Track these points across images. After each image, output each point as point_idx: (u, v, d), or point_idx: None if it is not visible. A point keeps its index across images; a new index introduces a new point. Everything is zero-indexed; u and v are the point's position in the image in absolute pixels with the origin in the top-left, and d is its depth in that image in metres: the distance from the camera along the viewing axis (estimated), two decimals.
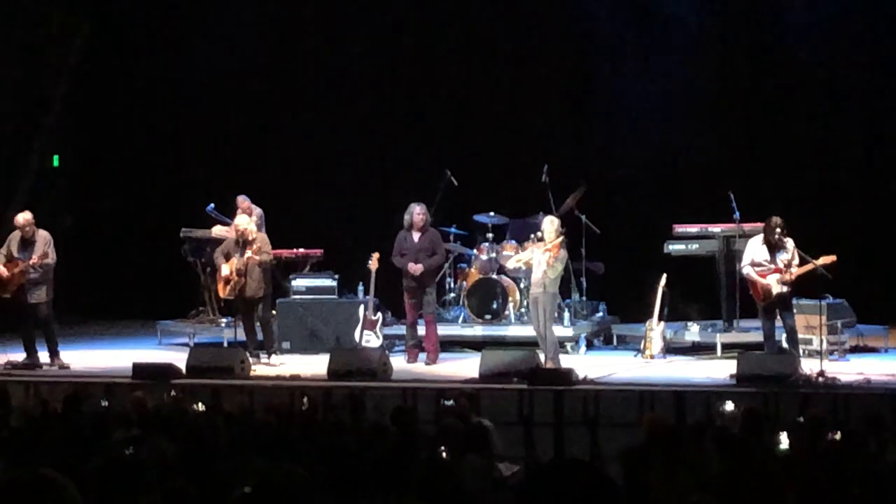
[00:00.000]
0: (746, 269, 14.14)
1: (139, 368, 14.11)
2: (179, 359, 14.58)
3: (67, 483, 3.90)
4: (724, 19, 19.14)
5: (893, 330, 16.21)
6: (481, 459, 8.17)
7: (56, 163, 20.70)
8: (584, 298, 17.14)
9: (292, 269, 17.51)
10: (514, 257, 15.83)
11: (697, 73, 18.96)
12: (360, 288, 16.66)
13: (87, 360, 15.78)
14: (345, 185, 19.48)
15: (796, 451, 8.35)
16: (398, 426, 9.12)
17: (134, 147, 20.53)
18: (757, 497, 6.07)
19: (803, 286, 14.29)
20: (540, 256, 14.46)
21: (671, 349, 15.85)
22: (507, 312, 16.57)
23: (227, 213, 16.98)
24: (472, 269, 16.99)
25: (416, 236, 15.51)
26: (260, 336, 15.65)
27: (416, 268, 15.32)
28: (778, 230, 13.86)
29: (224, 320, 17.19)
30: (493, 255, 16.85)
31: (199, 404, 10.67)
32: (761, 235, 14.11)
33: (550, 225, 14.62)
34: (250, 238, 15.30)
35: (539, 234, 15.03)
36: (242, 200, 16.89)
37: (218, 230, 17.15)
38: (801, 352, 14.14)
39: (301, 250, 17.72)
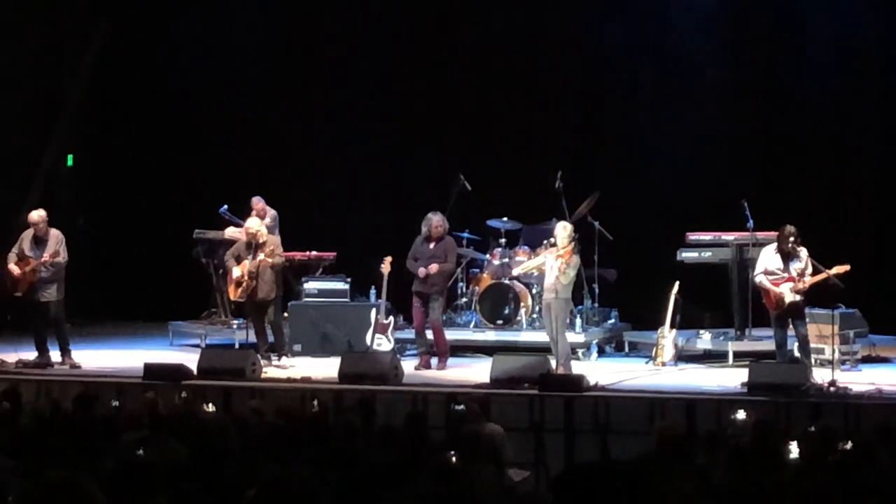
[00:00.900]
0: (759, 278, 14.12)
1: (150, 369, 14.11)
2: (191, 360, 14.58)
3: (94, 488, 3.92)
4: (740, 25, 19.10)
5: None
6: (492, 465, 8.17)
7: (70, 163, 20.74)
8: (596, 305, 17.12)
9: (305, 272, 17.51)
10: (520, 265, 15.82)
11: (712, 79, 18.92)
12: (373, 291, 16.67)
13: (98, 360, 15.79)
14: (358, 189, 19.48)
15: (807, 461, 8.34)
16: (410, 431, 9.12)
17: (148, 148, 20.54)
18: None
19: (816, 296, 14.27)
20: (552, 262, 14.46)
21: (683, 357, 15.82)
22: (519, 318, 16.56)
23: (241, 214, 16.99)
24: (485, 275, 16.99)
25: (431, 244, 15.53)
26: (271, 338, 15.66)
27: (423, 271, 15.34)
28: (791, 239, 13.84)
29: (236, 322, 17.20)
30: (506, 260, 16.85)
31: (210, 406, 10.68)
32: (775, 244, 14.10)
33: (563, 231, 14.62)
34: (261, 241, 15.30)
35: (552, 239, 15.04)
36: (257, 202, 16.91)
37: (231, 232, 17.16)
38: (812, 361, 14.12)
39: (314, 253, 17.73)
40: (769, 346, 14.58)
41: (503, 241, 17.04)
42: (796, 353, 14.22)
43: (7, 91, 19.36)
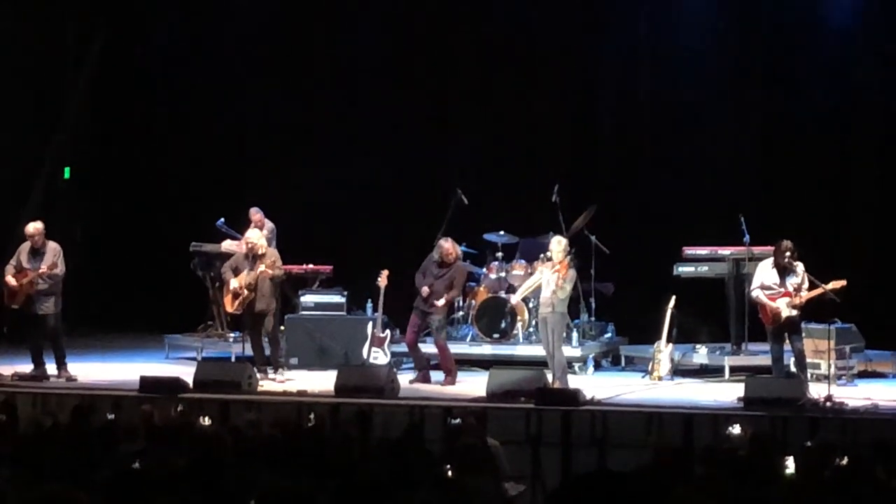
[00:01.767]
0: (756, 293, 14.12)
1: (147, 382, 14.11)
2: (187, 373, 14.58)
3: (88, 500, 3.93)
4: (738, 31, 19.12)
5: None
6: (488, 479, 8.16)
7: (67, 175, 20.72)
8: (592, 319, 17.13)
9: (301, 285, 17.51)
10: (520, 289, 15.81)
11: (710, 95, 18.93)
12: (369, 305, 16.68)
13: (94, 373, 15.77)
14: (355, 202, 19.48)
15: (803, 476, 8.34)
16: (408, 443, 9.11)
17: (145, 160, 20.54)
18: None
19: (812, 311, 14.27)
20: (549, 276, 14.48)
21: (679, 371, 15.84)
22: (515, 332, 16.56)
23: (238, 228, 16.99)
24: (482, 288, 16.99)
25: (442, 269, 15.55)
26: (267, 351, 15.66)
27: (425, 290, 15.37)
28: (788, 254, 13.84)
29: (232, 335, 17.19)
30: (503, 274, 16.86)
31: (206, 419, 10.67)
32: (771, 259, 14.10)
33: (558, 245, 14.63)
34: (260, 252, 15.30)
35: (548, 254, 15.05)
36: (255, 213, 16.92)
37: (228, 245, 17.16)
38: (808, 376, 14.13)
39: (310, 266, 17.72)
40: (765, 360, 14.58)
41: (500, 254, 17.05)
42: (792, 368, 14.22)
43: (4, 100, 19.38)
